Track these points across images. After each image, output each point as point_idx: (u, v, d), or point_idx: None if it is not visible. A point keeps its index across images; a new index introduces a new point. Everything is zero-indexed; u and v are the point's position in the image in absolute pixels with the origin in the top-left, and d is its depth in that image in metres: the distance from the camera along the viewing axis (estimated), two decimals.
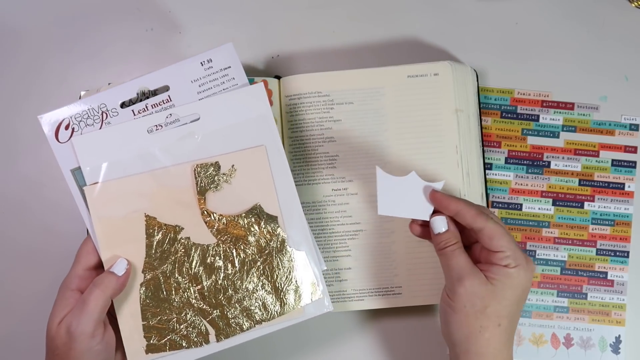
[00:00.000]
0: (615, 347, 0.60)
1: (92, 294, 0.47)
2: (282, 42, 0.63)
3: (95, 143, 0.50)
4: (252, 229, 0.50)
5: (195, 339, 0.50)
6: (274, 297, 0.50)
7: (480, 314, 0.46)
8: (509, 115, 0.62)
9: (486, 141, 0.62)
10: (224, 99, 0.51)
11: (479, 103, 0.60)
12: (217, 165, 0.50)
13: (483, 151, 0.60)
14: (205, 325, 0.50)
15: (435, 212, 0.49)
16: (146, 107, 0.51)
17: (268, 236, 0.50)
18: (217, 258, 0.50)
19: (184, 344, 0.50)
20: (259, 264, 0.50)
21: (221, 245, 0.50)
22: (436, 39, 0.63)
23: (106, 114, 0.51)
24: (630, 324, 0.60)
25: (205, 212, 0.50)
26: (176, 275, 0.50)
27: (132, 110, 0.51)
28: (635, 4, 0.62)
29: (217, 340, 0.50)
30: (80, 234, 0.61)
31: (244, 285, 0.50)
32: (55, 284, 0.61)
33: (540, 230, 0.61)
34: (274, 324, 0.51)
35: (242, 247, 0.50)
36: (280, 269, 0.51)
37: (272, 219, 0.51)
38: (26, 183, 0.62)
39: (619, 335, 0.60)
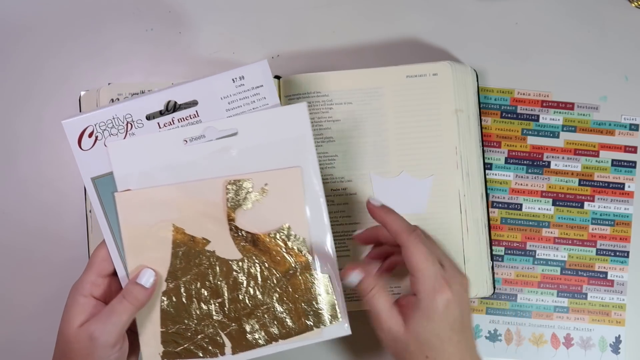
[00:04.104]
0: (615, 347, 0.60)
1: (121, 305, 0.47)
2: (282, 42, 0.63)
3: (131, 150, 0.50)
4: (279, 249, 0.50)
5: (211, 350, 0.50)
6: (293, 316, 0.50)
7: (405, 353, 0.46)
8: (509, 115, 0.62)
9: (486, 141, 0.62)
10: (265, 115, 0.50)
11: (479, 103, 0.60)
12: (250, 183, 0.50)
13: (483, 151, 0.60)
14: (222, 338, 0.50)
15: (350, 266, 0.49)
16: (172, 120, 0.50)
17: (294, 257, 0.50)
18: (241, 274, 0.50)
19: (200, 354, 0.50)
20: (282, 283, 0.50)
21: (246, 261, 0.50)
22: (436, 39, 0.63)
23: (131, 124, 0.50)
24: (630, 324, 0.60)
25: (233, 227, 0.50)
26: (198, 286, 0.50)
27: (158, 123, 0.50)
28: (635, 4, 0.62)
29: (233, 353, 0.50)
30: (79, 235, 0.61)
31: (264, 302, 0.50)
32: (53, 286, 0.61)
33: (540, 230, 0.61)
34: (290, 342, 0.50)
35: (266, 265, 0.50)
36: (302, 290, 0.50)
37: (300, 240, 0.50)
38: (25, 184, 0.62)
39: (619, 335, 0.60)
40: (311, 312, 0.50)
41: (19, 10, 0.64)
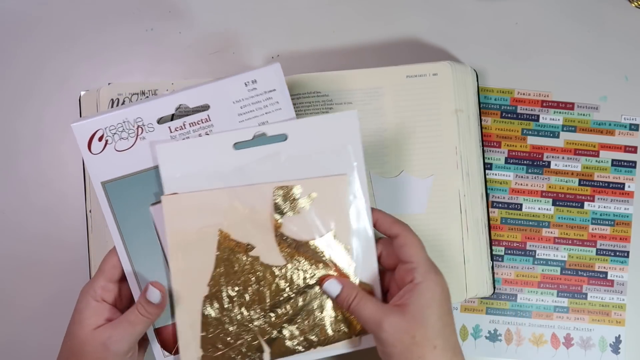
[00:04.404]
0: (615, 347, 0.60)
1: (136, 316, 0.47)
2: (282, 42, 0.63)
3: (179, 153, 0.49)
4: (322, 257, 0.50)
5: (250, 355, 0.50)
6: (333, 324, 0.50)
7: (412, 346, 0.45)
8: (509, 115, 0.62)
9: (486, 141, 0.62)
10: (315, 121, 0.50)
11: (479, 103, 0.60)
12: (297, 190, 0.49)
13: (483, 151, 0.60)
14: (262, 343, 0.50)
15: (325, 276, 0.50)
16: (184, 124, 0.50)
17: (336, 265, 0.50)
18: (283, 280, 0.50)
19: (238, 359, 0.50)
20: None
21: (289, 268, 0.50)
22: (436, 39, 0.63)
23: (142, 128, 0.49)
24: (630, 324, 0.60)
25: (278, 234, 0.50)
26: (241, 291, 0.50)
27: (169, 127, 0.50)
28: (635, 4, 0.62)
29: (271, 359, 0.50)
30: (79, 236, 0.61)
31: (305, 310, 0.50)
32: (53, 286, 0.61)
33: (540, 230, 0.61)
34: (329, 350, 0.50)
35: (309, 273, 0.50)
36: None
37: (343, 248, 0.50)
38: (25, 184, 0.62)
39: (619, 335, 0.60)
40: (351, 320, 0.50)
41: (20, 11, 0.64)
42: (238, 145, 0.49)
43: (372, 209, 0.50)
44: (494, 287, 0.59)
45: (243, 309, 0.50)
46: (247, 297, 0.50)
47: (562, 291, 0.61)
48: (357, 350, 0.51)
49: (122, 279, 0.50)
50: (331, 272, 0.50)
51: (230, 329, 0.50)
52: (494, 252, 0.61)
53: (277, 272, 0.50)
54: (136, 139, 0.50)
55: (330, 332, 0.50)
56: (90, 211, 0.59)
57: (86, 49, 0.63)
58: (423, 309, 0.46)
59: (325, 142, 0.50)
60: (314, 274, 0.50)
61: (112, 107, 0.59)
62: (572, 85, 0.62)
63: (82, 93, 0.60)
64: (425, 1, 0.63)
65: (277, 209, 0.49)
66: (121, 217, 0.50)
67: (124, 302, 0.50)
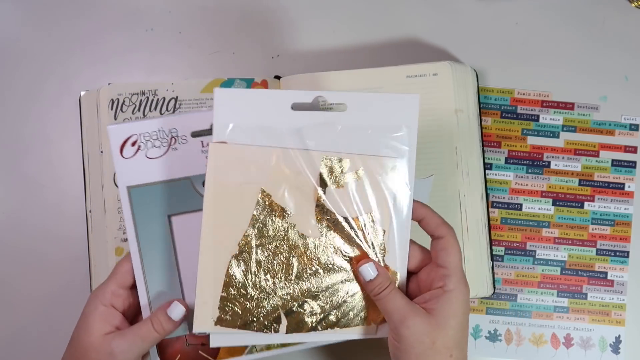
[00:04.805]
0: (615, 347, 0.60)
1: (148, 330, 0.47)
2: (282, 42, 0.63)
3: (236, 101, 0.47)
4: (356, 236, 0.49)
5: (267, 325, 0.48)
6: (355, 307, 0.49)
7: (430, 351, 0.45)
8: (509, 115, 0.62)
9: (486, 141, 0.62)
10: (377, 98, 0.48)
11: (479, 103, 0.60)
12: (347, 163, 0.48)
13: (483, 151, 0.60)
14: (280, 315, 0.49)
15: (362, 257, 0.49)
16: None
17: (369, 247, 0.49)
18: (315, 253, 0.49)
19: (254, 327, 0.48)
20: (352, 269, 0.49)
21: (322, 241, 0.49)
22: (436, 39, 0.63)
23: (175, 139, 0.50)
24: (630, 324, 0.60)
25: (319, 205, 0.48)
26: (270, 257, 0.48)
27: (202, 142, 0.50)
28: (635, 4, 0.62)
29: (287, 332, 0.48)
30: (79, 235, 0.61)
31: (330, 288, 0.49)
32: (54, 286, 0.61)
33: (540, 230, 0.61)
34: (345, 334, 0.49)
35: (341, 250, 0.49)
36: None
37: (379, 232, 0.49)
38: (26, 184, 0.62)
39: (619, 335, 0.60)
40: (372, 306, 0.49)
41: (20, 11, 0.64)
42: (296, 106, 0.48)
43: (421, 204, 0.49)
44: (494, 287, 0.59)
45: (268, 276, 0.48)
46: (275, 264, 0.48)
47: (562, 291, 0.61)
48: (372, 338, 0.50)
49: (134, 285, 0.49)
50: (363, 253, 0.49)
51: (252, 293, 0.48)
52: (494, 252, 0.61)
53: (310, 244, 0.48)
54: (168, 148, 0.50)
55: (350, 315, 0.49)
56: (90, 211, 0.59)
57: (86, 49, 0.63)
58: (449, 317, 0.45)
59: (382, 120, 0.48)
60: (347, 253, 0.49)
61: (112, 107, 0.59)
62: (572, 85, 0.62)
63: (82, 93, 0.60)
64: (425, 1, 0.63)
65: (322, 179, 0.48)
66: (140, 223, 0.49)
67: (132, 311, 0.49)
